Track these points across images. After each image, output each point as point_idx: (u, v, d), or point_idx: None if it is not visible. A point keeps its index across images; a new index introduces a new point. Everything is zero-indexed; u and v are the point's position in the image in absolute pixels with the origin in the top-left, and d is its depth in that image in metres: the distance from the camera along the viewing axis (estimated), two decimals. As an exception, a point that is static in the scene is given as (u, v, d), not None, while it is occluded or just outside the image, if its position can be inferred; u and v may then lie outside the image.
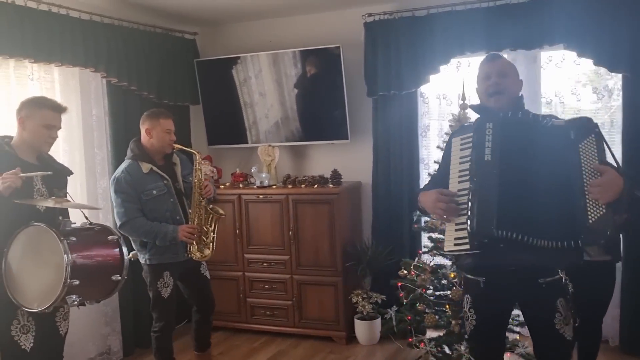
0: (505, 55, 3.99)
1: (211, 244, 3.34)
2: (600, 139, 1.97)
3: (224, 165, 4.94)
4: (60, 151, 3.64)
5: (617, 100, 3.89)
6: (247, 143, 4.82)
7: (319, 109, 4.50)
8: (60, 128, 2.72)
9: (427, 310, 3.58)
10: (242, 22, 4.91)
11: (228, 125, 4.86)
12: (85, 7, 3.78)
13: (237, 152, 4.98)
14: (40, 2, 3.45)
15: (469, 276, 2.32)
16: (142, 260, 3.24)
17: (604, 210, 1.88)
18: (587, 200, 1.90)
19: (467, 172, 2.10)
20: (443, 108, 4.34)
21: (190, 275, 3.40)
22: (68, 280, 2.41)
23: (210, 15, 4.71)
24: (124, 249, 2.75)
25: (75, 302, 2.50)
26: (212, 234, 3.35)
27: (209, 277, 3.51)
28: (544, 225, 1.97)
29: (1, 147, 2.57)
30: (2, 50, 3.22)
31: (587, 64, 3.85)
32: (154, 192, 3.19)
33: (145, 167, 3.21)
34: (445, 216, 2.12)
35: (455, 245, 2.08)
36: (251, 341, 4.41)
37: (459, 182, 2.13)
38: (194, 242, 3.23)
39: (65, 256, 2.41)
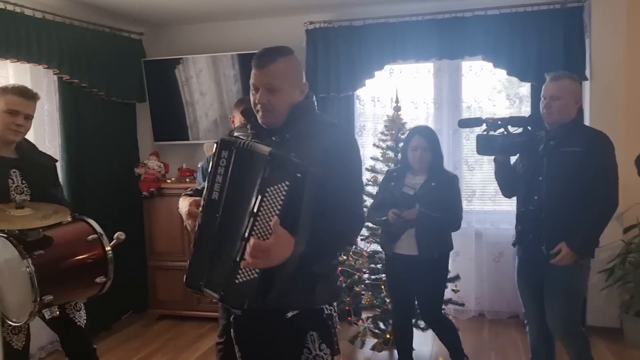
0: (431, 65, 4.57)
1: None
2: (299, 188, 1.53)
3: (170, 161, 5.14)
4: (14, 145, 3.74)
5: (527, 106, 4.46)
6: (189, 140, 5.05)
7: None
8: (29, 115, 2.56)
9: (363, 292, 3.99)
10: (187, 24, 5.12)
11: (172, 122, 5.06)
12: (38, 6, 3.90)
13: (183, 148, 5.19)
14: (-5, 0, 3.55)
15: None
16: None
17: (255, 275, 1.57)
18: (242, 258, 1.57)
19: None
20: (377, 110, 4.77)
21: None
22: (39, 298, 2.21)
23: (156, 17, 4.89)
24: (107, 247, 2.46)
25: (57, 312, 2.43)
26: None
27: None
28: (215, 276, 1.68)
29: None
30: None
31: (502, 73, 4.40)
32: None
33: None
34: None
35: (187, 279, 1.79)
36: (198, 328, 4.65)
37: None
38: None
39: (30, 275, 2.20)
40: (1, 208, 2.33)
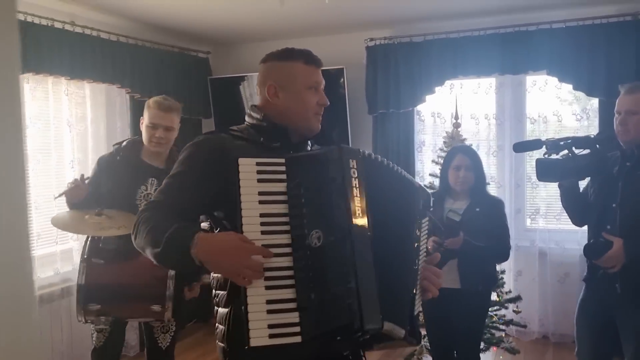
0: (493, 79, 4.49)
1: None
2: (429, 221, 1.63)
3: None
4: (89, 160, 3.99)
5: (594, 121, 4.30)
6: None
7: (324, 124, 4.87)
8: (169, 127, 2.66)
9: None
10: (252, 42, 5.30)
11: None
12: (113, 29, 4.16)
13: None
14: (74, 25, 3.82)
15: None
16: None
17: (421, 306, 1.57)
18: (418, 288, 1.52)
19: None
20: (437, 125, 4.74)
21: None
22: (81, 302, 2.50)
23: (222, 36, 5.09)
24: (169, 281, 2.51)
25: (109, 322, 2.66)
26: None
27: None
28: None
29: (113, 156, 2.73)
30: (43, 69, 3.58)
31: (567, 88, 4.27)
32: None
33: None
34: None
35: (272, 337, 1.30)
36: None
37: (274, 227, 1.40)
38: None
39: (78, 278, 2.52)
40: (83, 213, 2.57)
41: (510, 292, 3.92)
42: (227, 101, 5.19)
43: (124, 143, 2.81)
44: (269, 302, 1.32)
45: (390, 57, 4.67)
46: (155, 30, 4.65)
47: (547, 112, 4.48)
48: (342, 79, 4.68)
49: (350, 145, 4.69)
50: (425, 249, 1.60)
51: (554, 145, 2.51)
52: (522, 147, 2.81)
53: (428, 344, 3.87)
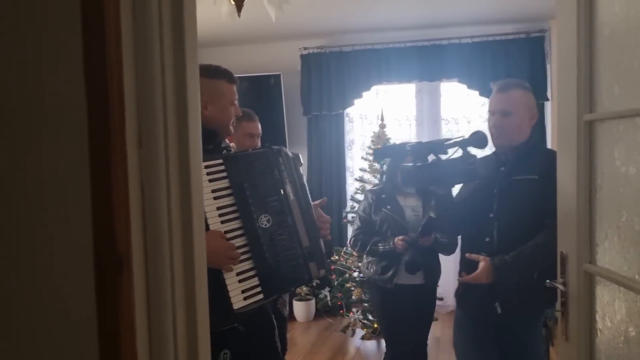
0: (414, 85, 5.12)
1: None
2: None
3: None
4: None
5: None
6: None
7: (263, 125, 5.30)
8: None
9: (353, 288, 4.49)
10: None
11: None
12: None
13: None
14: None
15: None
16: None
17: None
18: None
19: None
20: (365, 126, 5.32)
21: None
22: None
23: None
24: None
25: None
26: None
27: None
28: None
29: None
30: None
31: (475, 94, 4.96)
32: None
33: None
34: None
35: (246, 299, 1.76)
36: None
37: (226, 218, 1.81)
38: None
39: None
40: None
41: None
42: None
43: None
44: (238, 274, 1.76)
45: (322, 64, 5.19)
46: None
47: (458, 115, 5.16)
48: (279, 84, 5.14)
49: (287, 143, 5.18)
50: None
51: (417, 149, 2.19)
52: (382, 153, 2.76)
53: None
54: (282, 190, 1.91)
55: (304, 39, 5.22)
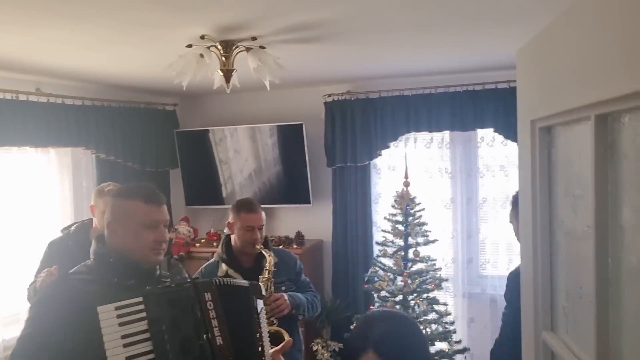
0: (447, 133, 4.70)
1: None
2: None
3: (200, 225, 5.46)
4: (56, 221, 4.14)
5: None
6: (222, 203, 5.34)
7: (286, 176, 5.06)
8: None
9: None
10: (218, 95, 5.47)
11: (204, 185, 5.40)
12: (78, 93, 4.32)
13: (212, 212, 5.51)
14: (40, 93, 3.98)
15: None
16: None
17: None
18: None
19: None
20: (393, 177, 4.94)
21: None
22: None
23: (189, 89, 5.26)
24: None
25: None
26: None
27: None
28: None
29: (64, 241, 2.89)
30: (6, 142, 3.72)
31: (514, 145, 4.49)
32: None
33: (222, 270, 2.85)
34: None
35: None
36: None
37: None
38: None
39: None
40: None
41: (460, 341, 4.11)
42: (194, 150, 5.36)
43: (73, 228, 2.99)
44: None
45: (347, 112, 4.88)
46: (121, 89, 4.81)
47: (494, 167, 4.70)
48: (301, 133, 4.86)
49: (310, 195, 4.88)
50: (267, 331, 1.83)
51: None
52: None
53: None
54: (204, 336, 1.63)
55: (328, 84, 4.94)
